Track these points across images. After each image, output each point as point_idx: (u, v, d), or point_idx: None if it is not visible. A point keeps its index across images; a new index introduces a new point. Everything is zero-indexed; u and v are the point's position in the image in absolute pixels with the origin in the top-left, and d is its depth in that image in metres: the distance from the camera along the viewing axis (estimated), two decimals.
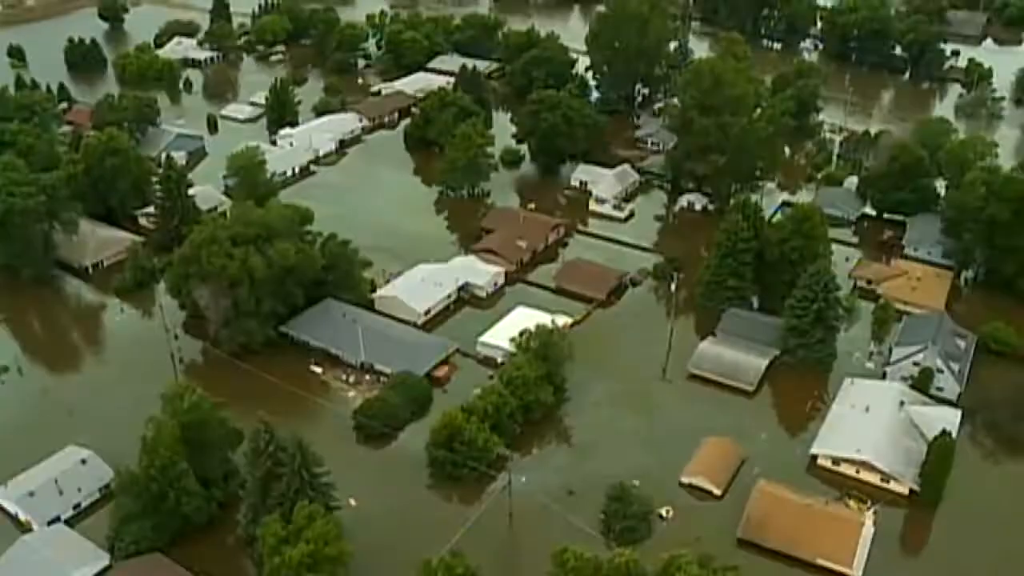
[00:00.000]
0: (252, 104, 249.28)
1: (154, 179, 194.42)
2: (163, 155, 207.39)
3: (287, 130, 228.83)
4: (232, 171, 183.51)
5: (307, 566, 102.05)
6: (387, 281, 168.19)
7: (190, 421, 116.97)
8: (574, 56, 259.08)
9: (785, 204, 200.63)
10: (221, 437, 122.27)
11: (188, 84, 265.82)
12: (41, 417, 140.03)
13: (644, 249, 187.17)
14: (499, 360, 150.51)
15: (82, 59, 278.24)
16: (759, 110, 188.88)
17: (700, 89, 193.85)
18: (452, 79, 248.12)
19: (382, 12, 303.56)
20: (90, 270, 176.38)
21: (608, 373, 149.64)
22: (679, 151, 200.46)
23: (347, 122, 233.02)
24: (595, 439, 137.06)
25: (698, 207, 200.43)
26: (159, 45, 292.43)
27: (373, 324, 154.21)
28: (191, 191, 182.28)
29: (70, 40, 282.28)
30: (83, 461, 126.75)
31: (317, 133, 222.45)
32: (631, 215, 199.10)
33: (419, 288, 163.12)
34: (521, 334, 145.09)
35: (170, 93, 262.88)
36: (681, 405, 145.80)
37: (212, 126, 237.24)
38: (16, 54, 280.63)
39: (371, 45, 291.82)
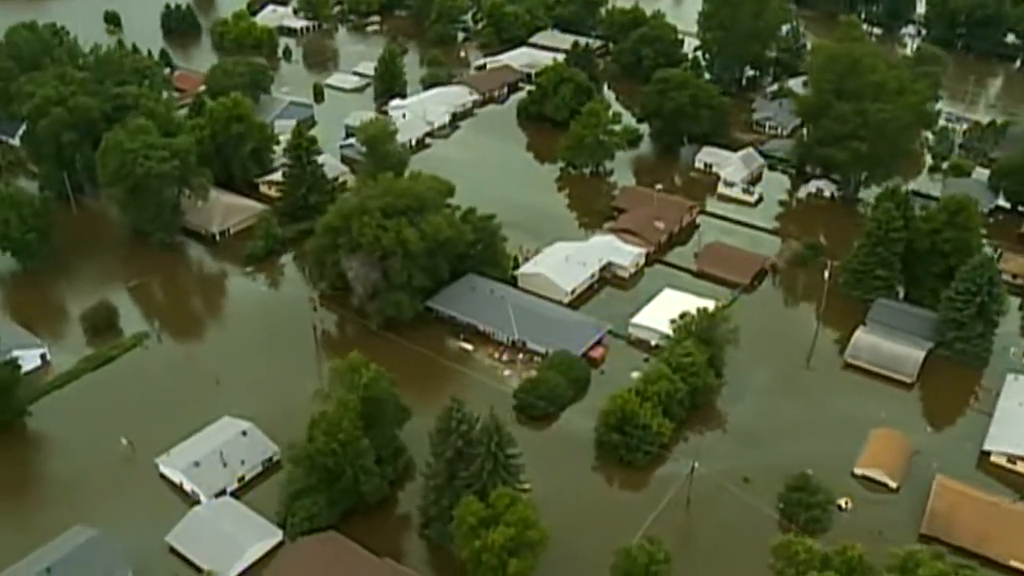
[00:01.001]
0: (356, 74, 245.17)
1: (275, 147, 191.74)
2: (274, 123, 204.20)
3: (398, 101, 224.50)
4: (362, 141, 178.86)
5: (508, 550, 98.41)
6: (526, 258, 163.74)
7: (368, 397, 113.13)
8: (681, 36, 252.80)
9: (914, 194, 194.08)
10: (392, 414, 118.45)
11: (287, 53, 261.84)
12: (189, 386, 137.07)
13: (774, 234, 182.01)
14: (652, 343, 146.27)
15: (178, 25, 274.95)
16: (900, 97, 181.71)
17: (836, 73, 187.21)
18: (557, 55, 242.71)
19: None
20: (216, 237, 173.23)
21: (758, 359, 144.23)
22: (811, 137, 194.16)
23: (458, 95, 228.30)
24: (759, 426, 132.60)
25: (827, 194, 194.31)
26: (252, 13, 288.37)
27: (521, 301, 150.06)
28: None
29: (167, 6, 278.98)
30: (244, 433, 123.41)
31: (430, 105, 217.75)
32: (760, 199, 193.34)
33: (564, 266, 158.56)
34: (682, 317, 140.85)
35: (269, 61, 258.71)
36: (839, 394, 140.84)
37: (319, 95, 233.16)
38: (112, 19, 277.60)
39: (469, 18, 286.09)
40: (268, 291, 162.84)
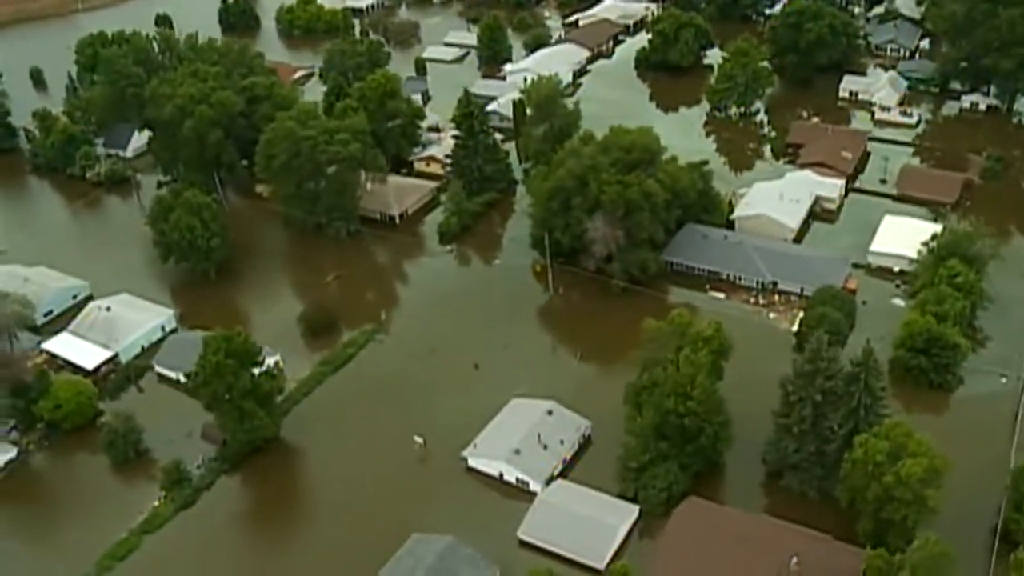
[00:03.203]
0: (448, 45, 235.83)
1: (421, 122, 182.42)
2: (413, 96, 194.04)
3: (512, 66, 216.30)
4: (532, 101, 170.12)
5: (924, 481, 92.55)
6: (731, 203, 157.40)
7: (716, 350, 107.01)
8: None
9: None
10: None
11: (365, 32, 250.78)
12: (445, 374, 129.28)
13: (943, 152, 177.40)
14: (896, 268, 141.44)
15: (237, 19, 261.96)
16: None
17: None
18: (648, 4, 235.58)
19: None
20: (397, 220, 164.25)
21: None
22: (960, 51, 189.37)
23: (572, 53, 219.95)
24: None
25: (982, 107, 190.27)
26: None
27: (758, 243, 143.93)
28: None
29: (224, 1, 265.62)
30: (549, 412, 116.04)
31: (551, 64, 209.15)
32: (920, 120, 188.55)
33: (781, 204, 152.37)
34: (933, 238, 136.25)
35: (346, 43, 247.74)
36: None
37: (420, 69, 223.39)
38: (163, 22, 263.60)
39: None
40: (478, 266, 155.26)
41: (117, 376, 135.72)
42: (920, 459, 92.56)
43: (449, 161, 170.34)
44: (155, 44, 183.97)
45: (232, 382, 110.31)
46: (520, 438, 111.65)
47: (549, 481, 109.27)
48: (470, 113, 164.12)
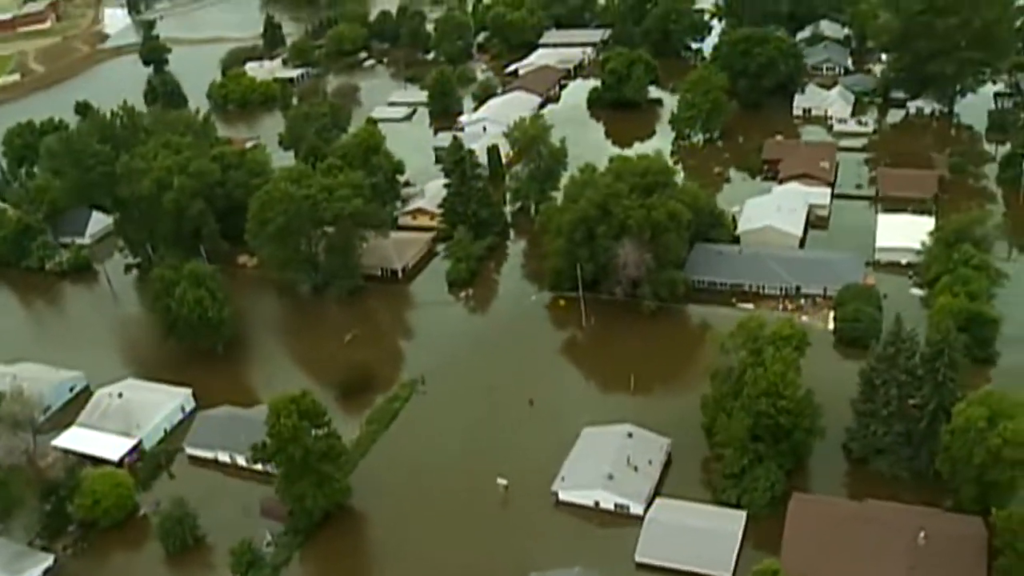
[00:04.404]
0: (393, 104, 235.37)
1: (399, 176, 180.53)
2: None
3: (466, 117, 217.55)
4: (517, 142, 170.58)
5: None
6: (733, 219, 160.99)
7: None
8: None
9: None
10: None
11: (300, 101, 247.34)
12: (505, 414, 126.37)
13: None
14: (903, 261, 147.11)
15: (167, 98, 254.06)
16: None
17: None
18: (584, 48, 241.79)
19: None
20: (400, 274, 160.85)
21: None
22: (900, 61, 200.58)
23: (524, 100, 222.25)
24: None
25: (927, 111, 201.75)
26: (224, 74, 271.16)
27: (772, 253, 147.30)
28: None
29: (149, 82, 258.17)
30: (629, 435, 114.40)
31: (508, 112, 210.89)
32: (875, 129, 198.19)
33: (780, 215, 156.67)
34: (940, 229, 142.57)
35: (284, 112, 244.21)
36: None
37: None
38: (84, 109, 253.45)
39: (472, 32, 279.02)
40: (498, 308, 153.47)
41: (145, 464, 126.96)
42: (1022, 420, 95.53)
43: (441, 211, 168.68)
44: (118, 120, 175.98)
45: (309, 445, 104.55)
46: (609, 464, 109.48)
47: (648, 502, 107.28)
48: (461, 159, 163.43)
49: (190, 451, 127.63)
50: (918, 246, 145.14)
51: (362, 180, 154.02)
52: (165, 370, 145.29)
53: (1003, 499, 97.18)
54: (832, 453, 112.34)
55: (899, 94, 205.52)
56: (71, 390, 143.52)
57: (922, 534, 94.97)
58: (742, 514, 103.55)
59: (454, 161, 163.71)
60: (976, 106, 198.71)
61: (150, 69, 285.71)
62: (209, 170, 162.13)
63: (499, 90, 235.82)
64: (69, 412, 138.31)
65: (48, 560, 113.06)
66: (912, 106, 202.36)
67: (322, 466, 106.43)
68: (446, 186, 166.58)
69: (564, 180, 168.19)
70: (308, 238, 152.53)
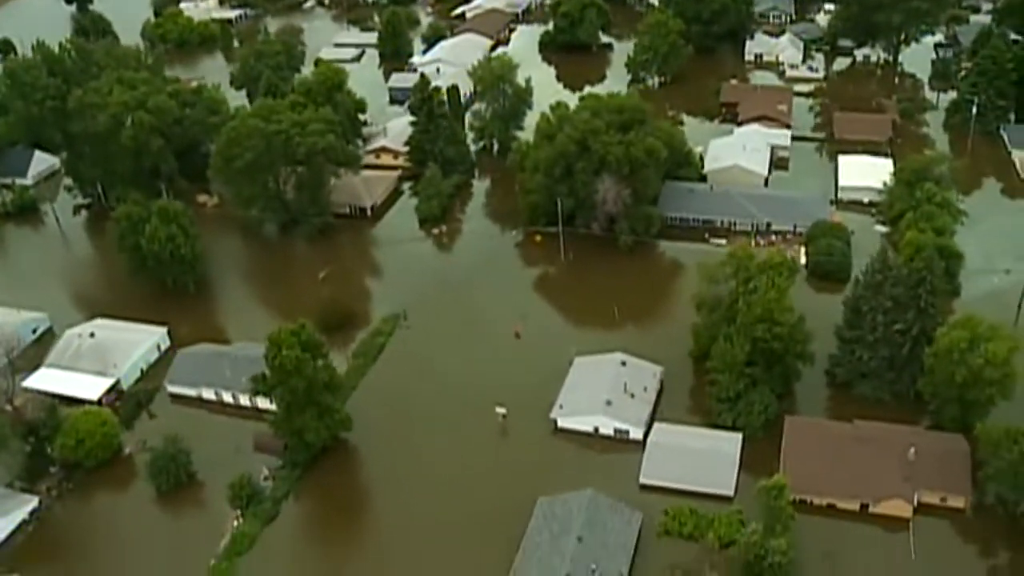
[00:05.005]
0: (339, 45, 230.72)
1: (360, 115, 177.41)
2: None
3: (419, 58, 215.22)
4: (480, 81, 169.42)
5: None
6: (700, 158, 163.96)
7: None
8: None
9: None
10: None
11: (241, 42, 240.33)
12: (492, 347, 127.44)
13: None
14: (865, 200, 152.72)
15: (96, 36, 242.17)
16: None
17: None
18: None
19: None
20: (369, 212, 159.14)
21: None
22: (848, 10, 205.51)
23: (475, 42, 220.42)
24: None
25: (873, 59, 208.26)
26: (157, 13, 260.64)
27: (742, 192, 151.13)
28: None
29: (77, 21, 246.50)
30: (623, 363, 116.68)
31: (460, 54, 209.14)
32: (826, 75, 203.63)
33: (746, 155, 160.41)
34: (901, 170, 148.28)
35: (226, 53, 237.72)
36: None
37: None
38: (6, 47, 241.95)
39: None
40: (472, 245, 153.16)
41: (126, 403, 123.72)
42: (1001, 341, 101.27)
43: (406, 149, 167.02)
44: (67, 54, 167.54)
45: (312, 376, 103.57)
46: (606, 391, 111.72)
47: (647, 427, 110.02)
48: (428, 97, 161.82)
49: (171, 389, 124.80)
50: (879, 185, 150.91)
51: (333, 115, 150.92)
52: (131, 311, 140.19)
53: (980, 416, 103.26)
54: (814, 379, 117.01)
55: (846, 43, 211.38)
56: (34, 331, 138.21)
57: (912, 450, 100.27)
58: (738, 436, 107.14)
59: (421, 99, 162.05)
60: (917, 56, 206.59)
61: (72, 7, 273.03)
62: (168, 107, 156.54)
63: (448, 33, 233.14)
64: (32, 354, 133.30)
65: (33, 502, 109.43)
66: (859, 54, 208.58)
67: (323, 398, 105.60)
68: (413, 124, 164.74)
69: (528, 119, 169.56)
70: (276, 175, 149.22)
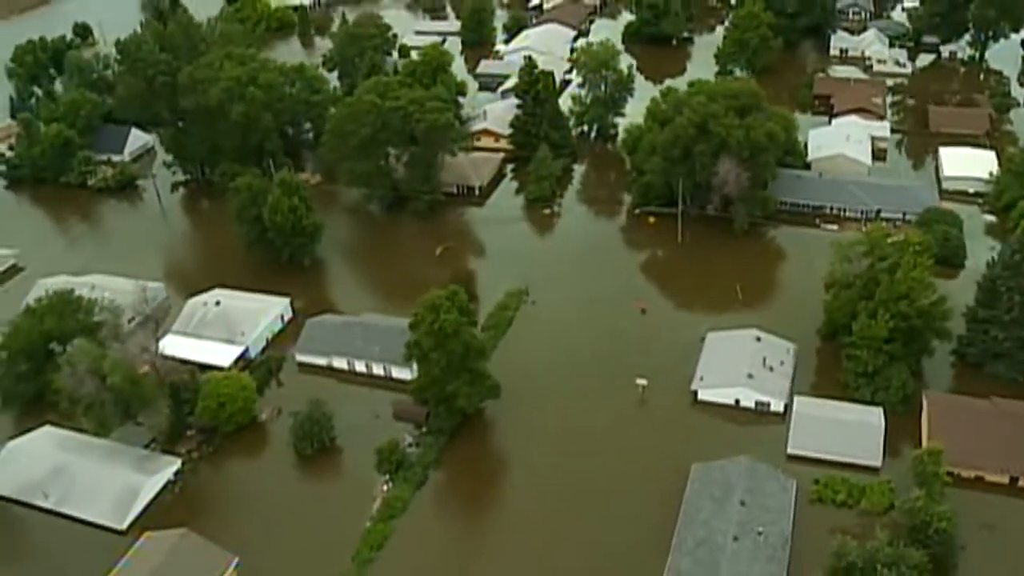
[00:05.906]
0: (420, 33, 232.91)
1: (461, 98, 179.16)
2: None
3: (504, 47, 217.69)
4: (589, 67, 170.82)
5: None
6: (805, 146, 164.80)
7: None
8: None
9: None
10: None
11: (319, 29, 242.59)
12: (621, 322, 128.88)
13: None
14: (970, 190, 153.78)
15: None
16: None
17: None
18: None
19: None
20: (478, 191, 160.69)
21: None
22: (937, 5, 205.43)
23: (560, 31, 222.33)
24: None
25: (960, 55, 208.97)
26: (230, 2, 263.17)
27: (850, 179, 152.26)
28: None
29: (155, 6, 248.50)
30: (758, 339, 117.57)
31: (547, 42, 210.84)
32: (913, 70, 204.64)
33: (850, 145, 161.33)
34: (1010, 160, 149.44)
35: (303, 39, 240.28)
36: None
37: (405, 56, 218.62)
38: (83, 31, 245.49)
39: None
40: (587, 225, 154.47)
41: (257, 370, 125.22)
42: None
43: (508, 132, 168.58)
44: (178, 30, 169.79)
45: (468, 341, 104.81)
46: (746, 364, 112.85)
47: (787, 400, 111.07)
48: (535, 81, 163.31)
49: (300, 358, 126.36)
50: (985, 176, 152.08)
51: (447, 95, 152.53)
52: (245, 284, 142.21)
53: None
54: (941, 359, 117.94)
55: (930, 39, 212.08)
56: (152, 299, 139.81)
57: None
58: (879, 410, 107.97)
59: (528, 83, 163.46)
60: (1003, 53, 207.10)
61: None
62: (277, 83, 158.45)
63: (529, 22, 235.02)
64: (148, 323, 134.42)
65: (176, 463, 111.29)
66: (945, 50, 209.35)
67: (477, 364, 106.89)
68: (519, 107, 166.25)
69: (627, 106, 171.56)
70: (387, 153, 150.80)
